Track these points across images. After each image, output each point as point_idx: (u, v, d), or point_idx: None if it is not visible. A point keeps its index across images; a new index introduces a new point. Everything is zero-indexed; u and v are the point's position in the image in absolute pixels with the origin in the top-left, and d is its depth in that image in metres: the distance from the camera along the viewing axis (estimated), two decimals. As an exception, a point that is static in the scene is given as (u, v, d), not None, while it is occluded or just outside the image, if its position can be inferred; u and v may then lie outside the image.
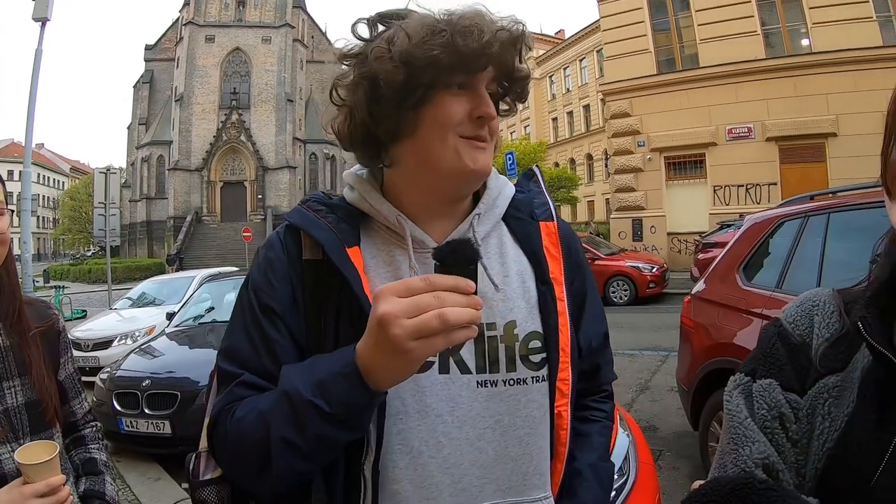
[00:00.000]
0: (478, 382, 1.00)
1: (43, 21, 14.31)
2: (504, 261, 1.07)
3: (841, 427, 0.78)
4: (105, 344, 8.98)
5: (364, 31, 1.02)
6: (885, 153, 0.79)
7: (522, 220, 1.12)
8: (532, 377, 1.02)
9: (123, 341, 8.89)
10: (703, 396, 4.34)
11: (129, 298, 11.46)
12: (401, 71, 0.93)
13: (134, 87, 53.59)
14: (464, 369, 0.99)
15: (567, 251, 1.11)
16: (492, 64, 0.94)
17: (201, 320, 7.50)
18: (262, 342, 0.98)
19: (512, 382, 1.01)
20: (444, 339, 0.76)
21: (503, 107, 1.07)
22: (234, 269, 14.47)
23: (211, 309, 7.77)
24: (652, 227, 19.05)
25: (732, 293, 4.35)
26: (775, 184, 17.45)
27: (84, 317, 16.89)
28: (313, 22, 57.02)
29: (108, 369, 6.25)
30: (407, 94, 0.94)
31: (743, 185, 18.03)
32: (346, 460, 0.95)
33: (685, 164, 19.24)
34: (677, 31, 19.76)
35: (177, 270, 30.88)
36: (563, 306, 1.06)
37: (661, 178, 19.40)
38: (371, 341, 0.80)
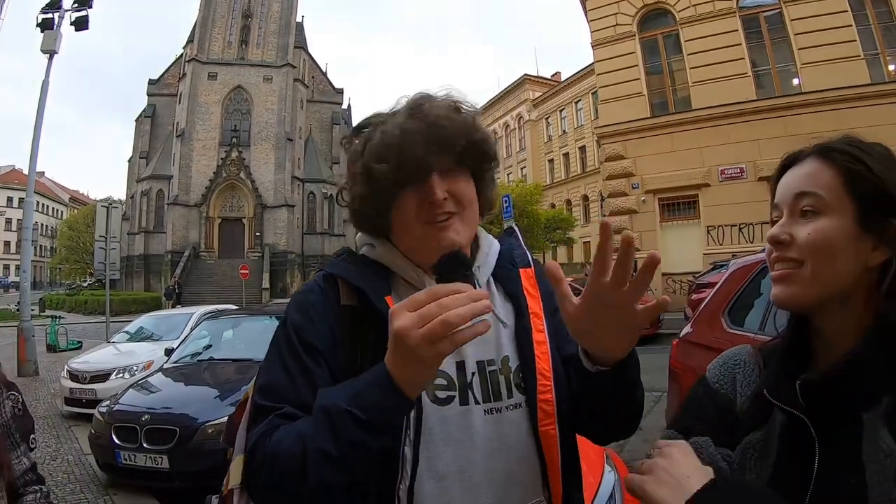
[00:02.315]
0: (485, 410, 1.13)
1: (51, 53, 14.61)
2: (495, 306, 1.19)
3: (766, 480, 0.93)
4: (103, 377, 8.95)
5: (348, 143, 1.22)
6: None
7: (505, 269, 1.28)
8: (523, 401, 1.16)
9: (121, 375, 8.88)
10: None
11: (127, 332, 11.46)
12: (365, 187, 1.15)
13: (136, 120, 53.92)
14: (476, 400, 1.13)
15: (545, 289, 1.26)
16: (438, 160, 1.11)
17: (199, 357, 7.55)
18: (301, 376, 1.09)
19: (511, 408, 1.15)
20: (450, 341, 0.88)
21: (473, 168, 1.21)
22: (233, 307, 14.49)
23: (209, 346, 7.84)
24: (647, 267, 19.14)
25: (718, 336, 4.45)
26: (768, 223, 17.58)
27: (80, 348, 16.90)
28: (314, 62, 57.75)
29: (107, 402, 6.29)
30: (375, 202, 1.16)
31: (736, 225, 18.14)
32: (379, 484, 1.05)
33: (679, 205, 19.44)
34: (670, 74, 20.15)
35: (174, 305, 30.78)
36: (542, 336, 1.19)
37: (656, 220, 19.58)
38: (393, 354, 0.93)
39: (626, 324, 0.97)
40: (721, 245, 18.01)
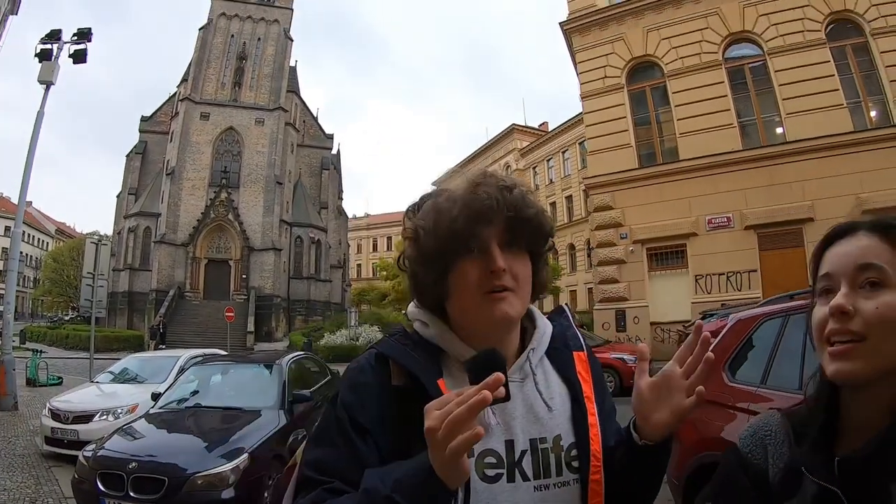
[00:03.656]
0: (534, 487, 1.16)
1: (48, 84, 14.69)
2: (549, 385, 1.27)
3: None
4: (86, 418, 8.76)
5: (411, 214, 1.27)
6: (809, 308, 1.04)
7: (559, 350, 1.32)
8: (573, 479, 1.19)
9: (105, 417, 8.72)
10: (693, 489, 4.40)
11: (111, 373, 11.28)
12: (413, 249, 1.22)
13: (127, 156, 53.66)
14: (524, 477, 1.16)
15: (597, 373, 1.33)
16: (490, 230, 1.15)
17: (186, 404, 7.46)
18: (350, 454, 1.12)
19: (560, 485, 1.18)
20: (452, 447, 0.90)
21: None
22: (222, 352, 14.36)
23: (195, 392, 7.75)
24: (635, 317, 19.20)
25: (718, 389, 4.49)
26: (755, 270, 17.76)
27: (60, 384, 16.63)
28: (305, 107, 58.30)
29: (93, 446, 6.14)
30: (425, 266, 1.20)
31: (724, 274, 18.28)
32: None
33: (667, 254, 19.57)
34: (657, 125, 20.49)
35: (158, 345, 30.42)
36: (594, 419, 1.24)
37: (644, 269, 19.68)
38: (428, 448, 0.95)
39: (676, 407, 1.09)
40: (709, 294, 18.10)
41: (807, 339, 4.07)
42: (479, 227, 1.13)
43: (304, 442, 1.27)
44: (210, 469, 5.49)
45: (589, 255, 31.78)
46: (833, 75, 17.76)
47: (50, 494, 6.91)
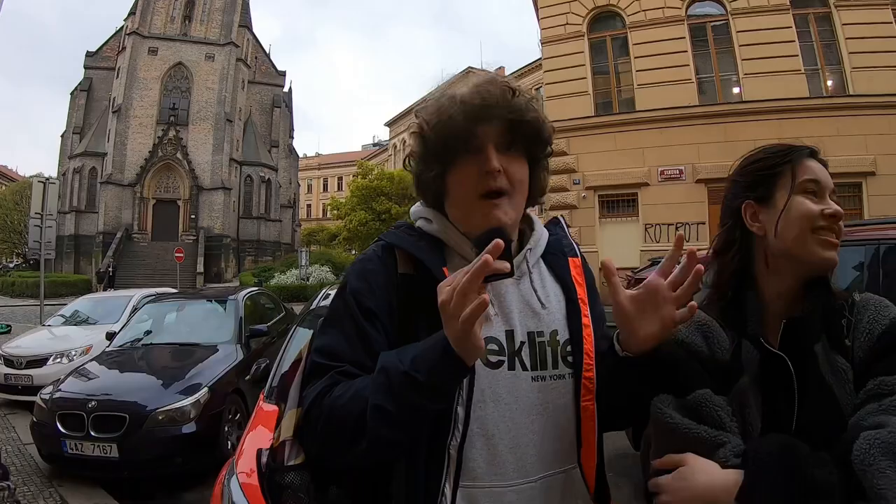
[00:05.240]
0: (532, 377, 1.23)
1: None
2: (544, 285, 1.33)
3: (761, 411, 1.18)
4: (40, 362, 8.66)
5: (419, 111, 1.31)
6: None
7: (556, 256, 1.39)
8: (569, 373, 1.26)
9: (59, 360, 8.63)
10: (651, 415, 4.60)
11: (63, 316, 11.08)
12: (418, 145, 1.27)
13: (71, 94, 51.30)
14: (524, 367, 1.23)
15: (590, 280, 1.39)
16: (489, 130, 1.20)
17: (142, 342, 7.42)
18: (359, 339, 1.17)
19: (556, 377, 1.25)
20: (465, 316, 0.96)
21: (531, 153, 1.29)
22: (174, 290, 14.19)
23: (150, 331, 7.71)
24: (585, 262, 19.50)
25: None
26: (704, 223, 18.10)
27: (9, 332, 16.18)
28: (258, 43, 56.30)
29: (49, 389, 6.08)
30: (427, 163, 1.26)
31: (673, 224, 18.56)
32: (430, 442, 1.14)
33: (618, 202, 19.81)
34: (616, 76, 20.46)
35: (106, 288, 29.83)
36: (587, 321, 1.30)
37: (595, 216, 19.90)
38: (444, 325, 1.01)
39: (666, 318, 1.13)
40: (658, 242, 18.48)
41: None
42: (476, 126, 1.18)
43: (311, 336, 1.31)
44: (170, 404, 5.52)
45: (542, 202, 31.98)
46: (794, 41, 17.95)
47: (7, 442, 6.80)
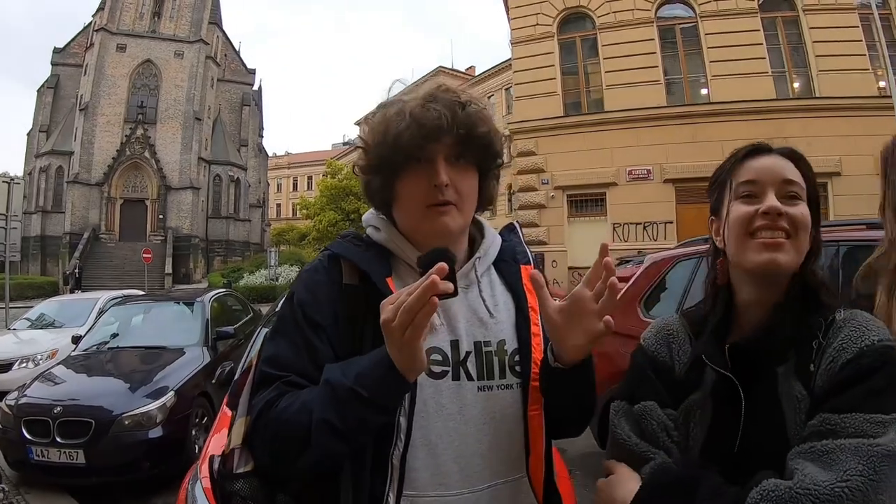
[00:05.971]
0: (478, 387, 1.24)
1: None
2: (494, 294, 1.34)
3: (706, 431, 1.16)
4: (4, 367, 8.59)
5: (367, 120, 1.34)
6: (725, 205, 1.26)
7: (507, 263, 1.40)
8: (516, 383, 1.27)
9: (24, 364, 8.57)
10: (608, 419, 4.68)
11: (28, 319, 10.98)
12: (365, 157, 1.29)
13: (38, 90, 50.35)
14: (469, 377, 1.23)
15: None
16: (438, 146, 1.21)
17: (108, 345, 7.33)
18: (305, 350, 1.19)
19: (503, 387, 1.26)
20: (411, 328, 0.98)
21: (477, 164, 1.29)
22: (140, 292, 14.04)
23: (116, 334, 7.62)
24: (554, 261, 19.59)
25: (634, 324, 4.79)
26: (671, 222, 18.36)
27: (-28, 336, 15.93)
28: (227, 40, 55.79)
29: (14, 395, 5.98)
30: (376, 172, 1.27)
31: (641, 224, 18.82)
32: (374, 451, 1.15)
33: (587, 202, 19.98)
34: (585, 76, 20.66)
35: (73, 289, 29.36)
36: (537, 329, 1.31)
37: (564, 215, 20.05)
38: (386, 342, 1.03)
39: (589, 331, 1.12)
40: (626, 242, 18.60)
41: (695, 271, 4.41)
42: (426, 143, 1.19)
43: (261, 342, 1.33)
44: (136, 409, 5.47)
45: (510, 200, 32.06)
46: (761, 44, 18.30)
47: (-28, 449, 6.65)
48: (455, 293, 1.01)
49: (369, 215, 1.39)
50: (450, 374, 1.22)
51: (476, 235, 1.40)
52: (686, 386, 1.21)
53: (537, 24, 20.91)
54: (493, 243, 1.40)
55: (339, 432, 1.06)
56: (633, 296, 5.15)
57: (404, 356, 1.02)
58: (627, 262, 13.05)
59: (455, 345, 1.24)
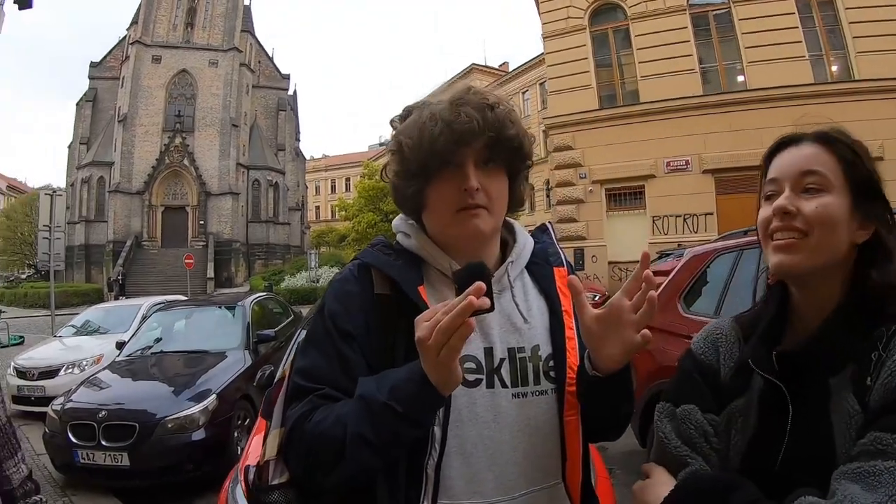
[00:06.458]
0: (513, 394, 1.21)
1: (-12, 37, 14.02)
2: (527, 298, 1.31)
3: (749, 439, 1.08)
4: (52, 373, 8.74)
5: (396, 123, 1.29)
6: (757, 206, 1.12)
7: (540, 266, 1.37)
8: (551, 389, 1.24)
9: (70, 370, 8.71)
10: (650, 416, 4.56)
11: (73, 326, 11.17)
12: (396, 163, 1.25)
13: (77, 104, 51.66)
14: (503, 384, 1.21)
15: None
16: (468, 150, 1.18)
17: (151, 350, 7.45)
18: (338, 361, 1.17)
19: (538, 393, 1.23)
20: (447, 349, 0.97)
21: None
22: (183, 297, 14.27)
23: (159, 339, 7.74)
24: (593, 256, 19.44)
25: (674, 320, 4.69)
26: (711, 214, 18.08)
27: (22, 343, 16.35)
28: (261, 47, 56.47)
29: (60, 400, 6.13)
30: (406, 179, 1.24)
31: (681, 216, 18.57)
32: (409, 461, 1.14)
33: (625, 195, 19.77)
34: (619, 68, 20.44)
35: (117, 296, 29.99)
36: (571, 333, 1.28)
37: (602, 209, 19.88)
38: (421, 358, 1.02)
39: (626, 343, 1.09)
40: (666, 235, 18.37)
41: (758, 271, 4.28)
42: (457, 147, 1.16)
43: (293, 354, 1.30)
44: (179, 412, 5.54)
45: (548, 196, 31.88)
46: (797, 27, 17.84)
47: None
48: (491, 309, 0.98)
49: (399, 221, 1.37)
50: (484, 382, 1.21)
51: (508, 238, 1.38)
52: (730, 391, 1.16)
53: (568, 17, 20.74)
54: (525, 246, 1.38)
55: (373, 446, 1.06)
56: (673, 291, 5.00)
57: (439, 373, 1.02)
58: (668, 255, 12.82)
59: (489, 352, 1.23)
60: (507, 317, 1.27)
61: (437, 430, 1.14)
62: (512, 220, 1.39)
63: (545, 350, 1.27)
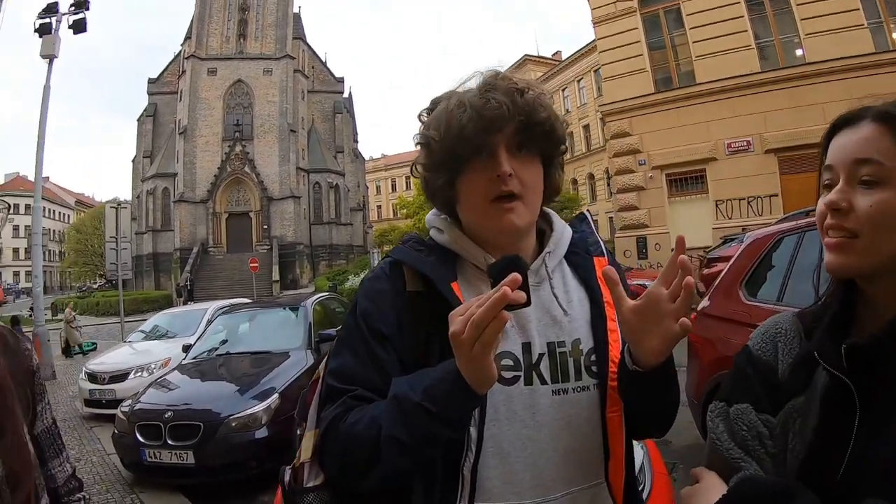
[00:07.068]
0: (553, 391, 1.16)
1: (50, 58, 14.63)
2: (567, 290, 1.26)
3: (809, 442, 0.95)
4: (121, 377, 9.05)
5: (424, 116, 1.25)
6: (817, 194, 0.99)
7: (580, 256, 1.31)
8: (593, 384, 1.18)
9: (139, 374, 9.00)
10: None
11: (142, 331, 11.61)
12: (425, 156, 1.21)
13: (138, 120, 53.85)
14: (542, 381, 1.16)
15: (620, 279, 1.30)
16: (499, 136, 1.13)
17: (217, 352, 7.64)
18: (371, 361, 1.15)
19: (579, 389, 1.18)
20: (480, 343, 0.93)
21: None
22: (247, 300, 14.59)
23: (225, 341, 7.92)
24: (656, 244, 19.09)
25: (736, 308, 4.49)
26: (776, 195, 17.51)
27: (95, 349, 17.10)
28: (313, 53, 57.54)
29: (129, 402, 6.36)
30: (436, 171, 1.20)
31: (744, 199, 18.07)
32: (444, 462, 1.10)
33: (686, 180, 19.34)
34: (673, 50, 19.99)
35: (185, 302, 30.94)
36: (614, 325, 1.21)
37: (664, 196, 19.51)
38: (455, 355, 0.97)
39: (665, 334, 1.03)
40: (730, 219, 17.91)
41: (821, 254, 4.10)
42: (488, 135, 1.12)
43: (326, 355, 1.29)
44: (243, 411, 5.66)
45: (608, 184, 31.46)
46: (853, -6, 17.03)
47: (93, 453, 7.15)
48: (528, 303, 0.94)
49: (431, 216, 1.34)
50: (522, 379, 1.16)
51: (545, 228, 1.32)
52: (789, 389, 1.03)
53: (617, 1, 20.36)
54: (563, 236, 1.31)
55: (406, 448, 1.02)
56: (734, 277, 4.79)
57: (474, 369, 0.97)
58: (731, 240, 12.43)
59: (527, 348, 1.18)
60: (545, 310, 1.21)
61: (472, 430, 1.10)
62: (548, 210, 1.33)
63: (586, 344, 1.21)
